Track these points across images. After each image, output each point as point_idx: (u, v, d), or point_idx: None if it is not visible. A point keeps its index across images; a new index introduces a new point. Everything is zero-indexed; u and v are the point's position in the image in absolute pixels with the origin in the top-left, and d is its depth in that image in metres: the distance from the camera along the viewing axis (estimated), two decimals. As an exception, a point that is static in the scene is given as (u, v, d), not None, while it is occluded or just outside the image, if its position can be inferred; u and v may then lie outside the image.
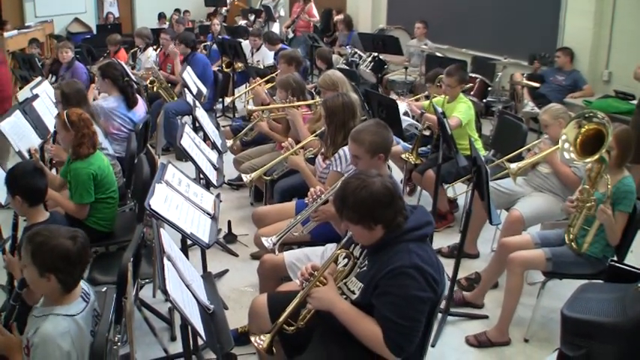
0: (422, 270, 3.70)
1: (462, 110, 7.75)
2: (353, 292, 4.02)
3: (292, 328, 4.11)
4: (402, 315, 3.68)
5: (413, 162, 7.75)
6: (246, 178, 6.65)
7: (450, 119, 7.34)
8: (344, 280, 4.13)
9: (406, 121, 8.94)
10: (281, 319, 4.07)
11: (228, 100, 13.09)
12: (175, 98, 11.01)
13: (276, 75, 9.56)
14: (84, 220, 5.99)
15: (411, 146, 7.95)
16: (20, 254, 3.80)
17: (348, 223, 3.90)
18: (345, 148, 5.74)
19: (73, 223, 5.70)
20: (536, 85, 11.14)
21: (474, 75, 11.52)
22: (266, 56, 13.36)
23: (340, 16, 17.23)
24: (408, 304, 3.68)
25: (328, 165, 6.04)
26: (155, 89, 11.25)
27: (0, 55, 9.53)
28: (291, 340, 4.22)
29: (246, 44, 14.13)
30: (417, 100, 9.50)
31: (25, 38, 15.56)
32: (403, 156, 7.78)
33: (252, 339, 4.09)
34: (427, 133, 8.13)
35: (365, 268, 4.01)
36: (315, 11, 17.97)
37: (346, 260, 4.20)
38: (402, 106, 8.61)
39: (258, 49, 13.57)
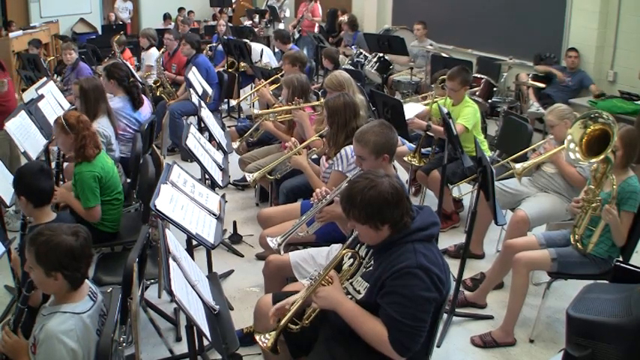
0: (428, 270, 3.71)
1: (467, 116, 7.69)
2: (359, 292, 4.03)
3: (297, 327, 4.11)
4: (407, 315, 3.69)
5: (416, 164, 7.73)
6: (249, 177, 6.66)
7: (455, 126, 7.33)
8: (350, 280, 4.14)
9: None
10: (286, 317, 4.07)
11: (233, 101, 13.09)
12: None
13: (281, 76, 9.56)
14: (90, 221, 5.99)
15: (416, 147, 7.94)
16: (23, 255, 3.81)
17: (355, 223, 3.91)
18: (347, 148, 5.76)
19: (80, 224, 5.71)
20: (542, 85, 11.15)
21: (479, 75, 11.50)
22: (256, 54, 13.40)
23: (345, 17, 17.22)
24: (413, 304, 3.69)
25: (331, 165, 6.03)
26: (158, 93, 11.29)
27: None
28: (296, 339, 4.23)
29: (254, 46, 14.15)
30: (424, 98, 9.46)
31: (30, 39, 15.55)
32: (406, 158, 7.76)
33: (257, 337, 4.09)
34: (432, 133, 8.10)
35: (371, 268, 4.01)
36: (319, 11, 17.94)
37: (352, 260, 4.21)
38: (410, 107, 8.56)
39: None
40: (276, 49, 14.23)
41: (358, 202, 3.81)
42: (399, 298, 3.72)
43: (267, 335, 4.06)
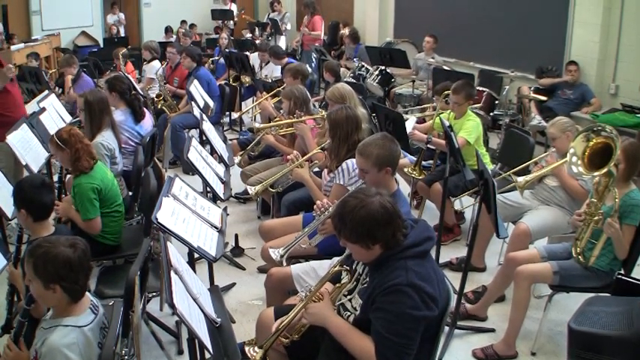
0: (418, 288, 3.70)
1: (469, 129, 7.72)
2: (356, 310, 4.04)
3: (287, 340, 4.17)
4: (394, 332, 3.69)
5: (416, 176, 7.73)
6: (251, 190, 6.66)
7: (457, 139, 7.32)
8: (348, 297, 4.15)
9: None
10: (276, 332, 4.12)
11: (235, 114, 13.10)
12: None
13: (283, 89, 9.56)
14: (90, 233, 5.98)
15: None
16: (23, 268, 3.81)
17: (346, 242, 3.92)
18: (349, 161, 5.78)
19: (81, 237, 5.70)
20: (544, 98, 11.14)
21: (481, 88, 11.52)
22: (274, 70, 13.36)
23: (347, 30, 17.21)
24: (399, 321, 3.69)
25: (332, 178, 6.04)
26: (160, 106, 11.30)
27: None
28: (297, 352, 4.24)
29: (254, 57, 14.17)
30: (424, 110, 9.47)
31: (33, 51, 15.60)
32: (406, 170, 7.77)
33: (247, 349, 4.13)
34: (432, 146, 8.10)
35: (365, 285, 4.02)
36: (321, 24, 17.85)
37: (348, 276, 4.21)
38: (410, 123, 8.55)
39: (267, 63, 13.56)
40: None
41: (348, 222, 3.82)
42: (386, 315, 3.72)
43: (256, 349, 4.09)
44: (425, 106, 10.04)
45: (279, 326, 4.13)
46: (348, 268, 4.22)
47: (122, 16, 22.00)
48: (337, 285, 4.25)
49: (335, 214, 3.98)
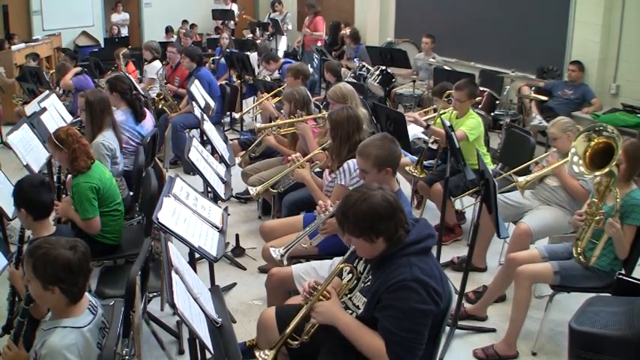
0: (423, 283, 3.72)
1: (470, 126, 7.71)
2: (358, 307, 4.05)
3: (296, 342, 4.13)
4: (404, 328, 3.70)
5: (418, 175, 7.73)
6: (252, 190, 6.64)
7: (456, 131, 7.29)
8: (349, 296, 4.15)
9: (414, 134, 8.91)
10: (285, 334, 4.09)
11: (236, 114, 13.07)
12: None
13: (283, 89, 9.55)
14: (91, 234, 5.98)
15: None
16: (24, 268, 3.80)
17: (350, 237, 3.92)
18: (350, 161, 5.77)
19: (80, 237, 5.69)
20: (544, 98, 11.12)
21: (481, 88, 11.49)
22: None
23: (347, 30, 17.17)
24: (409, 317, 3.70)
25: (334, 178, 6.04)
26: (161, 106, 11.29)
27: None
28: (298, 352, 4.22)
29: (254, 57, 14.15)
30: (425, 113, 9.46)
31: (32, 52, 15.59)
32: (407, 168, 7.76)
33: (257, 353, 4.10)
34: (434, 146, 8.10)
35: (369, 283, 4.02)
36: (323, 24, 17.83)
37: (350, 275, 4.21)
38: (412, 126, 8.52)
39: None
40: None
41: (351, 216, 3.83)
42: (394, 312, 3.73)
43: (266, 352, 4.08)
44: (426, 109, 10.01)
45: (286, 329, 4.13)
46: (353, 265, 4.22)
47: (127, 15, 21.98)
48: (344, 283, 4.25)
49: (338, 210, 4.00)
